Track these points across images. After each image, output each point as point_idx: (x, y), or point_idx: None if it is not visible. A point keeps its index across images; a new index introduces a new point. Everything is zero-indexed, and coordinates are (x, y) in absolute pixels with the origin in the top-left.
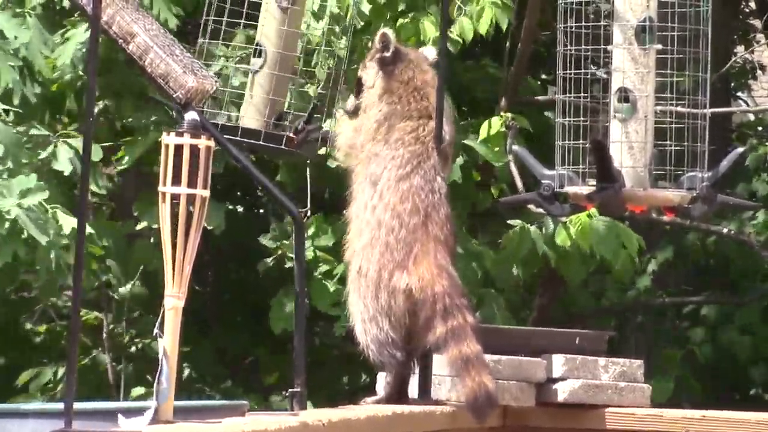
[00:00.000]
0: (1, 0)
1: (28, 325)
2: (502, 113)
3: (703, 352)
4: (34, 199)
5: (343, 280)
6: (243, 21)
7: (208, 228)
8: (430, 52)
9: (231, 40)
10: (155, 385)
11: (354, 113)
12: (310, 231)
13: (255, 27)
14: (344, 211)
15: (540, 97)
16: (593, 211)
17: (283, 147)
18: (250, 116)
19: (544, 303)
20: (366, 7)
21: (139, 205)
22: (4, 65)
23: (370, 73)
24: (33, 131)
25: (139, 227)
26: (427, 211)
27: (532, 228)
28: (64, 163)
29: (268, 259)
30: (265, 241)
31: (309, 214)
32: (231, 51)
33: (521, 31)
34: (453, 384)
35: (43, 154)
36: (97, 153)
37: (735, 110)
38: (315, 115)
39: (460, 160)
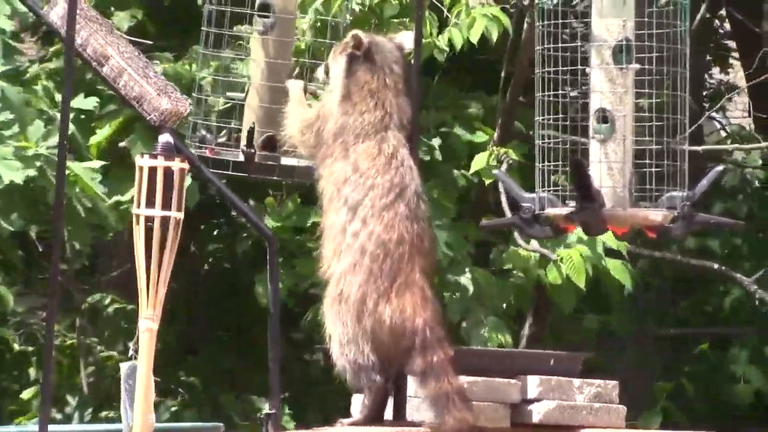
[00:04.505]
0: None
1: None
2: (494, 147)
3: (691, 385)
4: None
5: None
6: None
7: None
8: (406, 39)
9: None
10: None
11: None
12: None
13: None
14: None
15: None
16: (584, 249)
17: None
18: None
19: (534, 331)
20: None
21: None
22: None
23: (338, 64)
24: None
25: None
26: (413, 240)
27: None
28: None
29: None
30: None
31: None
32: (213, 73)
33: (513, 59)
34: (426, 404)
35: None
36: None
37: (723, 147)
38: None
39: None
